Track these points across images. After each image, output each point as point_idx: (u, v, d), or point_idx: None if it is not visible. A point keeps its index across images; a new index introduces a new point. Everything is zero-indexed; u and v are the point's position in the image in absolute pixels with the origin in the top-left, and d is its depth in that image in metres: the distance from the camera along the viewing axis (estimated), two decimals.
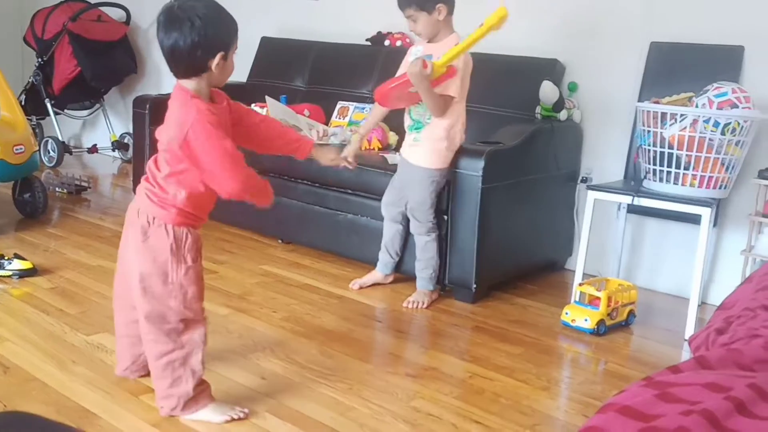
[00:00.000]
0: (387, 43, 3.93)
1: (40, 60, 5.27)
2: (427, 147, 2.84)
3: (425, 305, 2.90)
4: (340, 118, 3.87)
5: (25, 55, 5.76)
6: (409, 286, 3.05)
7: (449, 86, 2.74)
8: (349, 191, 3.26)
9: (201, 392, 1.96)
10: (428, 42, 2.84)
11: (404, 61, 2.94)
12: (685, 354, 2.59)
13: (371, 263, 3.16)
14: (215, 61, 1.84)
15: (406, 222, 3.02)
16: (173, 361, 1.91)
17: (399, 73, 2.90)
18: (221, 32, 1.84)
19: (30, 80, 5.35)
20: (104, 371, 2.20)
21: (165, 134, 1.87)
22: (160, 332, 1.91)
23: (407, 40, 3.85)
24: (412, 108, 2.87)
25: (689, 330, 2.72)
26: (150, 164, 1.94)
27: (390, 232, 3.05)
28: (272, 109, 3.55)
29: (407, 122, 2.92)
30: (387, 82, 2.81)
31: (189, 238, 1.92)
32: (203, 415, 1.95)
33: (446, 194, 2.91)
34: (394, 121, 3.24)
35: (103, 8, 5.30)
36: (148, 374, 2.05)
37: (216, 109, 1.87)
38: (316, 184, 3.37)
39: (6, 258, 2.96)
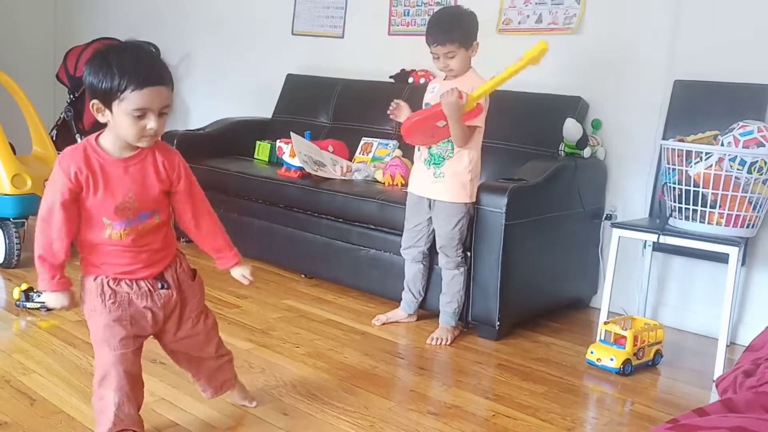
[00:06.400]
0: (411, 80, 3.98)
1: (71, 96, 5.40)
2: (453, 182, 2.82)
3: (448, 342, 2.89)
4: (363, 154, 3.91)
5: (57, 91, 5.91)
6: (431, 323, 3.03)
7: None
8: (372, 227, 3.27)
9: None
10: (444, 79, 2.87)
11: (425, 97, 2.96)
12: (713, 395, 2.54)
13: (394, 299, 3.16)
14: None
15: (427, 260, 3.02)
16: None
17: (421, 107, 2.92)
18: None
19: (61, 116, 5.48)
20: None
21: None
22: None
23: (431, 78, 3.89)
24: None
25: (717, 371, 2.68)
26: None
27: (411, 272, 3.04)
28: (297, 144, 3.59)
29: (423, 156, 2.88)
30: (416, 113, 2.78)
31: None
32: None
33: (469, 231, 2.91)
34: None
35: None
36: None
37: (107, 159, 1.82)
38: (340, 220, 3.39)
39: (35, 291, 3.01)
